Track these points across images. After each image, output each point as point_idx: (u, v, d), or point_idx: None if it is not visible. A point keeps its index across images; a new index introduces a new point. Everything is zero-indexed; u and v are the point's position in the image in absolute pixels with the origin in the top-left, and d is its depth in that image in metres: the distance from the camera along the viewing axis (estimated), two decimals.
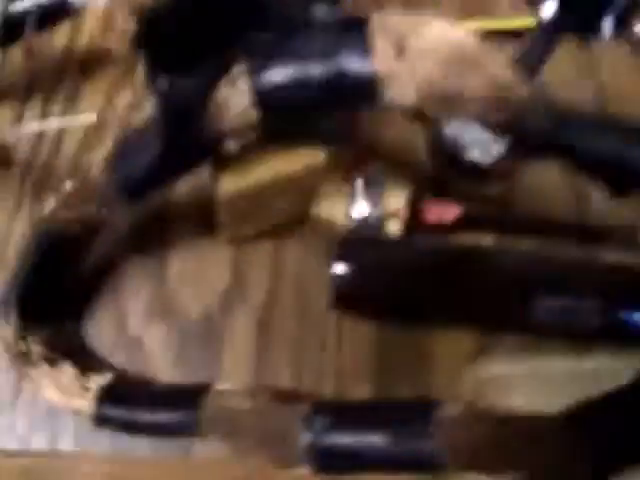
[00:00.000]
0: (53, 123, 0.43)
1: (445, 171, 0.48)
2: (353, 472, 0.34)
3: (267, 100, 0.33)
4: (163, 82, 0.32)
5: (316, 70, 0.32)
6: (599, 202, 0.47)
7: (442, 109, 0.33)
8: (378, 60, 0.32)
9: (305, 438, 0.34)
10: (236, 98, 0.33)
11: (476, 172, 0.47)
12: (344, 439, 0.34)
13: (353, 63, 0.32)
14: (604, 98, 0.52)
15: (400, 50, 0.32)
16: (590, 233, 0.47)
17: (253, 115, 0.34)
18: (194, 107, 0.33)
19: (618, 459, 0.33)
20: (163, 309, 0.44)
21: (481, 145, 0.45)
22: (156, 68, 0.32)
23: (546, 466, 0.33)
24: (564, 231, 0.47)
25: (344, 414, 0.35)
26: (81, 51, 0.51)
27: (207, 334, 0.43)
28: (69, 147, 0.47)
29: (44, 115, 0.48)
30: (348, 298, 0.42)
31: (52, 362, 0.39)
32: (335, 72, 0.32)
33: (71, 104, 0.48)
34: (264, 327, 0.43)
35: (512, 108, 0.32)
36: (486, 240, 0.47)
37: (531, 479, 0.33)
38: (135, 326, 0.43)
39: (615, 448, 0.34)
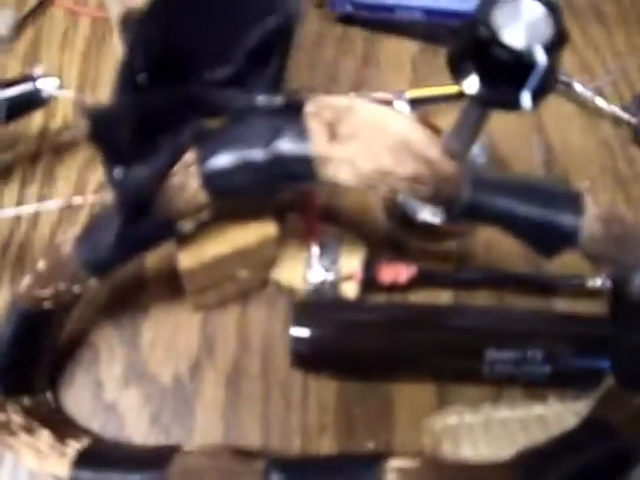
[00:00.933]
0: (27, 209, 0.46)
1: (401, 232, 0.51)
2: None
3: (214, 184, 0.36)
4: (118, 172, 0.35)
5: (258, 155, 0.35)
6: None
7: (374, 185, 0.35)
8: (313, 143, 0.35)
9: None
10: (187, 182, 0.36)
11: (429, 231, 0.49)
12: None
13: (291, 147, 0.35)
14: (552, 155, 0.55)
15: (332, 133, 0.35)
16: (543, 284, 0.50)
17: (203, 197, 0.36)
18: (149, 193, 0.36)
19: None
20: (137, 374, 0.46)
21: (431, 206, 0.48)
22: (111, 159, 0.35)
23: None
24: (519, 283, 0.50)
25: (297, 469, 0.37)
26: (55, 135, 0.54)
27: (179, 397, 0.46)
28: (44, 228, 0.50)
29: (22, 196, 0.51)
30: (307, 359, 0.44)
31: (30, 431, 0.41)
32: (275, 156, 0.35)
33: (47, 185, 0.52)
34: (233, 388, 0.46)
35: (437, 183, 0.35)
36: (443, 296, 0.49)
37: None
38: (111, 392, 0.46)
39: None
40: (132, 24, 0.35)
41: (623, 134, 0.57)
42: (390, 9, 0.58)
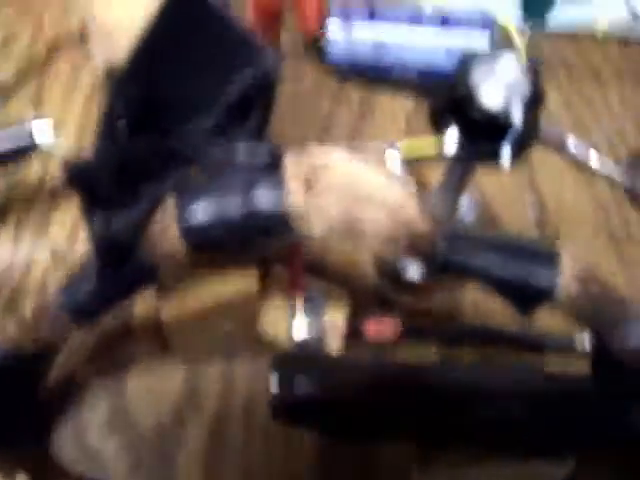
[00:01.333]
0: (20, 252, 0.47)
1: (390, 288, 0.51)
2: None
3: (190, 234, 0.36)
4: (98, 219, 0.35)
5: (234, 207, 0.36)
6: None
7: (348, 241, 0.35)
8: (290, 197, 0.35)
9: None
10: (169, 230, 0.37)
11: (417, 288, 0.49)
12: None
13: (267, 200, 0.35)
14: (544, 214, 0.55)
15: (308, 187, 0.35)
16: (531, 342, 0.50)
17: (182, 247, 0.37)
18: (128, 240, 0.36)
19: None
20: (121, 422, 0.46)
21: (415, 263, 0.48)
22: (90, 207, 0.35)
23: None
24: (506, 341, 0.50)
25: None
26: (52, 180, 0.55)
27: (161, 445, 0.46)
28: (37, 272, 0.51)
29: (16, 240, 0.52)
30: (286, 414, 0.44)
31: (9, 476, 0.41)
32: (251, 209, 0.35)
33: (42, 230, 0.52)
34: (215, 438, 0.46)
35: (411, 240, 0.35)
36: (429, 352, 0.49)
37: None
38: (94, 438, 0.46)
39: None
40: (113, 79, 0.36)
41: (618, 193, 0.57)
42: (387, 70, 0.59)
